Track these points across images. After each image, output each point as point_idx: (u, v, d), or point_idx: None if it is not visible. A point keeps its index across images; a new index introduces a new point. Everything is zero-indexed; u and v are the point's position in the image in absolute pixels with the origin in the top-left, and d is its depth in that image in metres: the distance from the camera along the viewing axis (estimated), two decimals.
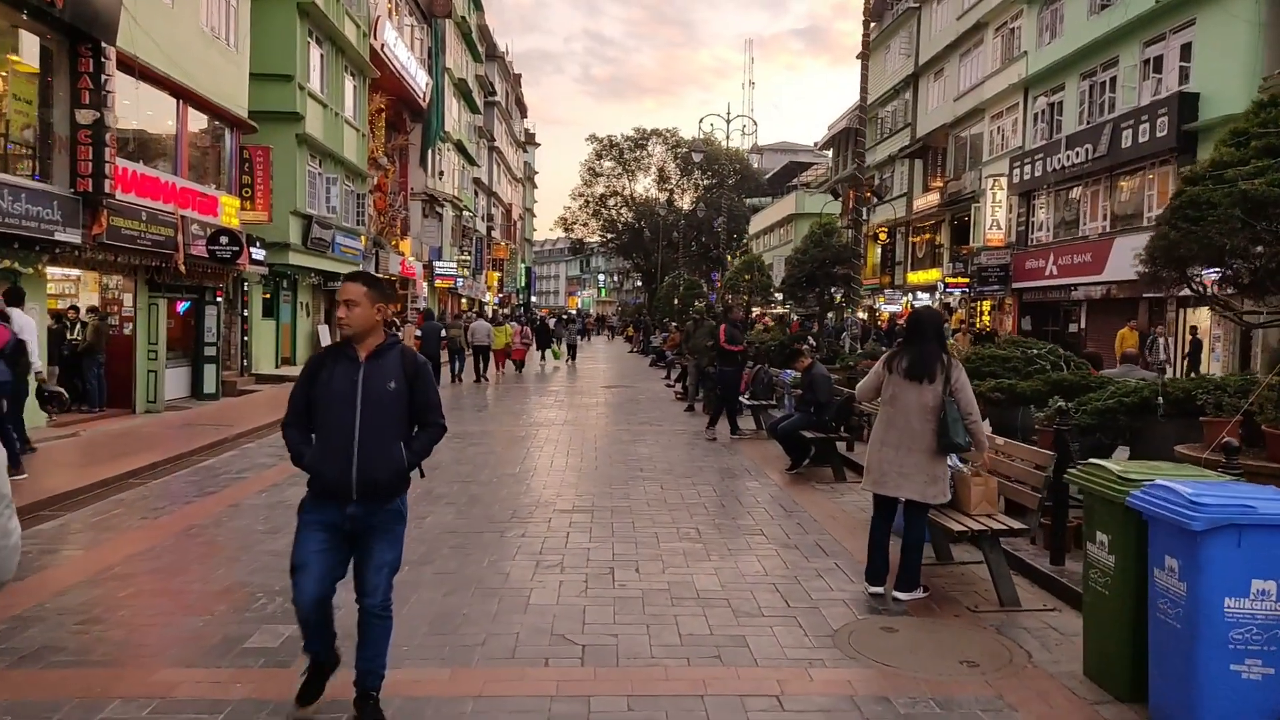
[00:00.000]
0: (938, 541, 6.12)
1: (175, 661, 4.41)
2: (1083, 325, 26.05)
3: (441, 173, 40.03)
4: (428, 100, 35.12)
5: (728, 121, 29.59)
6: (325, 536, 3.69)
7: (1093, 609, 4.22)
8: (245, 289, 20.53)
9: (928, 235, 37.89)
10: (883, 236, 39.52)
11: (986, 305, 31.32)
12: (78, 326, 15.19)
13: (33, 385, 10.20)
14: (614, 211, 67.74)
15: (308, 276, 24.36)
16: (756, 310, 34.39)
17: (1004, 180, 29.22)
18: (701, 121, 26.75)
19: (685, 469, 10.04)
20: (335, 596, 3.74)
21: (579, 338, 34.63)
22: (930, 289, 35.72)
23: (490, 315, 36.19)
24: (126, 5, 13.42)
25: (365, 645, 3.72)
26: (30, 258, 12.20)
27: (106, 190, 13.26)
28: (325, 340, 25.59)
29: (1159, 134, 21.38)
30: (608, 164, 66.68)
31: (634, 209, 66.93)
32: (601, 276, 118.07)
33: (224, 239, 16.98)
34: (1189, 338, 21.09)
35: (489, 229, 55.69)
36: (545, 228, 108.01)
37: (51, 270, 14.10)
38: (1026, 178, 27.75)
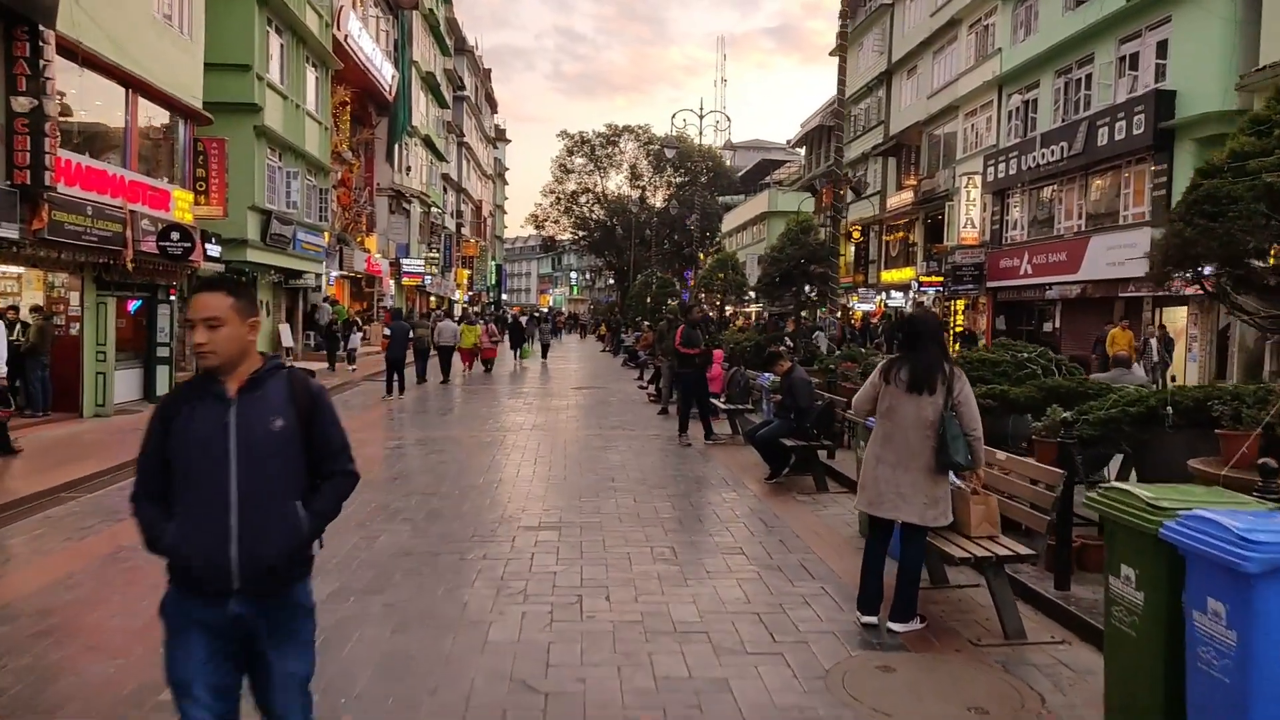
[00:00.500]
0: (932, 563, 5.66)
1: (75, 715, 3.84)
2: (1057, 325, 25.90)
3: (409, 168, 39.24)
4: (394, 93, 34.35)
5: (701, 117, 29.13)
6: (208, 642, 2.67)
7: (1117, 651, 3.77)
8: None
9: (901, 234, 37.68)
10: (856, 235, 39.23)
11: (960, 304, 31.12)
12: (17, 327, 14.40)
13: None
14: (586, 209, 67.08)
15: (267, 274, 23.57)
16: (730, 310, 33.95)
17: (978, 178, 29.01)
18: (675, 117, 26.29)
19: (659, 478, 9.54)
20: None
21: (551, 336, 34.03)
22: (904, 288, 35.49)
23: (462, 314, 35.65)
24: None
25: None
26: None
27: (47, 183, 12.54)
28: (287, 340, 24.83)
29: (1135, 132, 21.19)
30: (579, 161, 66.01)
31: (606, 206, 66.31)
32: (573, 274, 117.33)
33: (175, 235, 16.23)
34: (1160, 337, 20.94)
35: (458, 226, 54.86)
36: (516, 225, 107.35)
37: None
38: (1001, 176, 27.55)
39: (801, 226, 15.44)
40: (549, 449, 11.48)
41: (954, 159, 32.14)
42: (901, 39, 37.69)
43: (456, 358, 23.65)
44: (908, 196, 35.31)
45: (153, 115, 17.12)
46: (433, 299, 46.95)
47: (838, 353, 13.00)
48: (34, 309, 15.24)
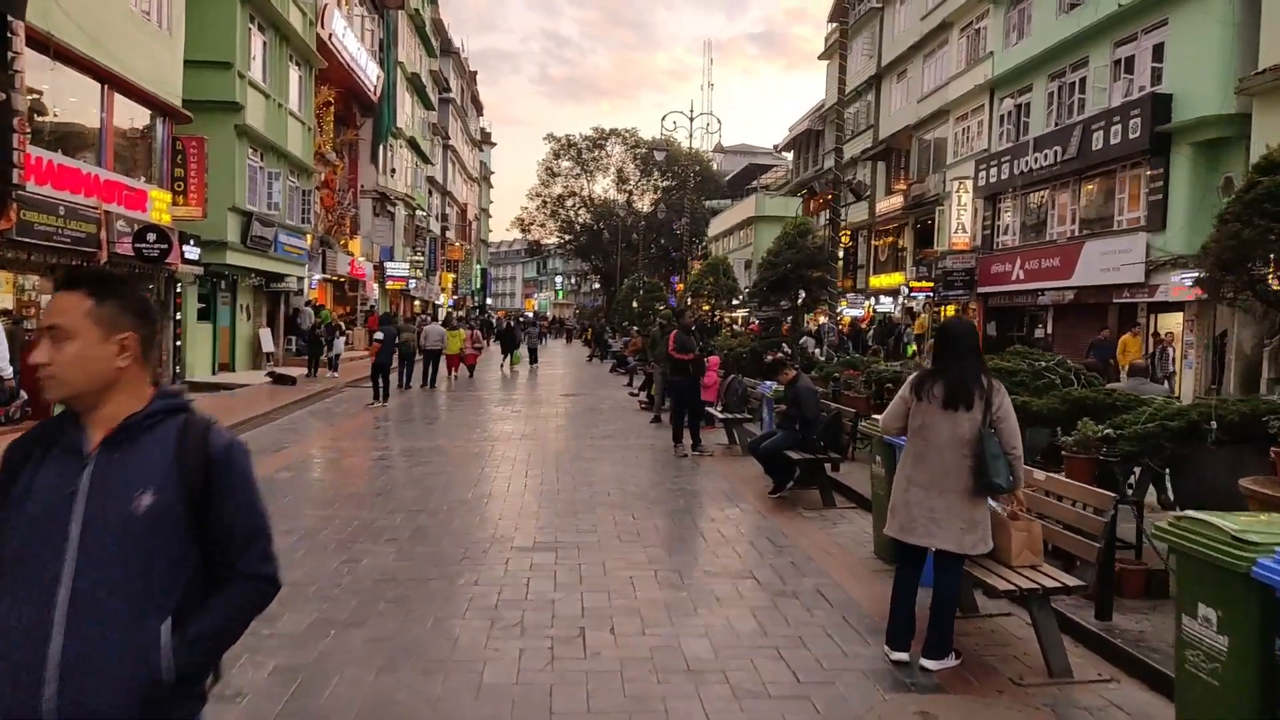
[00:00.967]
0: (962, 589, 5.25)
1: None
2: (1049, 330, 25.65)
3: (393, 170, 38.69)
4: (379, 94, 33.82)
5: (691, 119, 28.78)
6: None
7: (1192, 701, 3.37)
8: (179, 290, 19.19)
9: (890, 238, 37.44)
10: (845, 239, 38.96)
11: (950, 310, 30.86)
12: None
13: None
14: (572, 212, 66.64)
15: (248, 277, 23.02)
16: (721, 315, 33.58)
17: (969, 183, 28.75)
18: (664, 119, 25.92)
19: (657, 492, 9.11)
20: None
21: (538, 341, 33.56)
22: (893, 293, 35.24)
23: (446, 318, 35.09)
24: None
25: None
26: None
27: (16, 181, 12.00)
28: (267, 345, 24.26)
29: (1131, 135, 20.95)
30: (565, 164, 65.60)
31: (592, 210, 65.89)
32: (559, 278, 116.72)
33: (151, 236, 15.71)
34: (1155, 344, 20.69)
35: (443, 229, 54.29)
36: (501, 229, 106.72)
37: None
38: (993, 180, 27.30)
39: (799, 230, 15.06)
40: (540, 460, 11.03)
41: (944, 163, 31.90)
42: (891, 43, 37.48)
43: (442, 362, 23.23)
44: (897, 201, 35.07)
45: (130, 113, 16.59)
46: (417, 303, 46.37)
47: (837, 359, 12.60)
48: (2, 312, 14.67)
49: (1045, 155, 24.35)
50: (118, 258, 15.51)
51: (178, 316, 19.30)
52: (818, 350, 20.74)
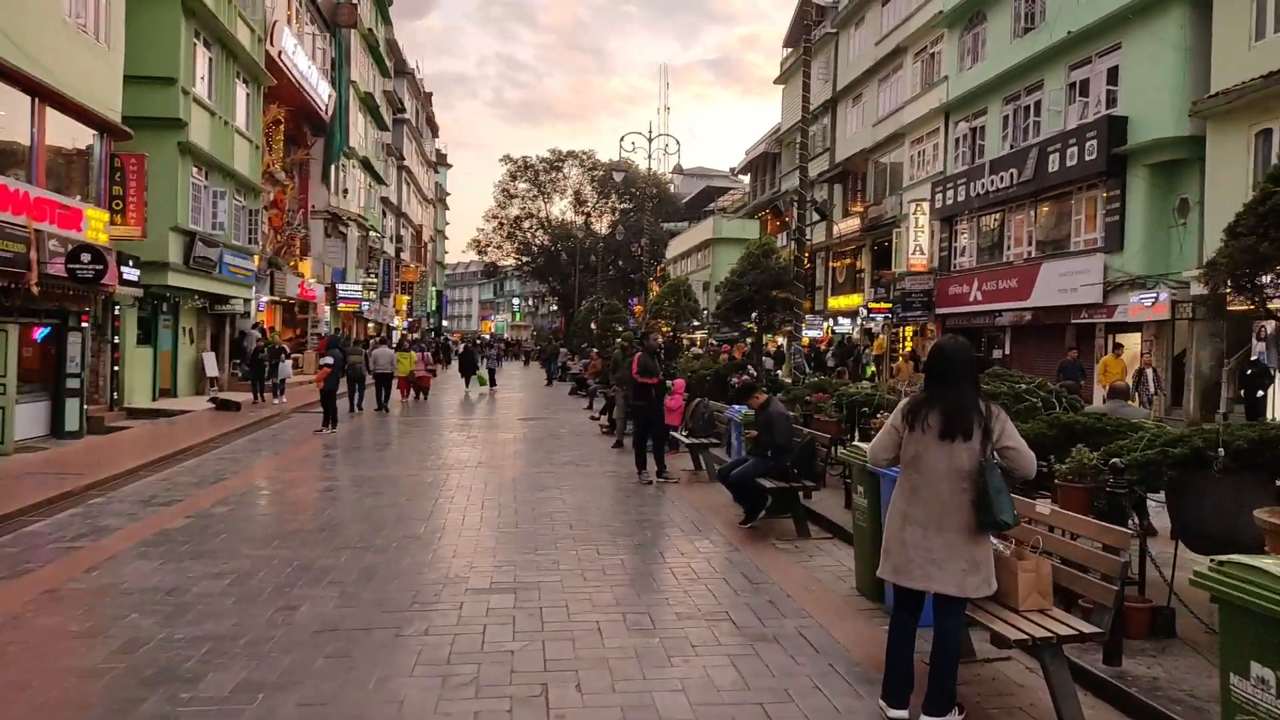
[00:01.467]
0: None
1: None
2: (1007, 351, 25.69)
3: (346, 190, 37.90)
4: (330, 113, 33.12)
5: (650, 140, 28.51)
6: None
7: None
8: (117, 313, 18.33)
9: (848, 260, 37.50)
10: (803, 260, 39.00)
11: (909, 331, 30.87)
12: None
13: None
14: (529, 234, 66.13)
15: (191, 299, 22.16)
16: (684, 337, 33.22)
17: (926, 205, 28.86)
18: (623, 139, 25.59)
19: (622, 523, 8.62)
20: None
21: (496, 364, 32.97)
22: (852, 314, 35.24)
23: (399, 340, 34.33)
24: None
25: None
26: None
27: None
28: (211, 370, 23.36)
29: (1088, 157, 21.09)
30: (522, 186, 65.13)
31: (550, 232, 65.44)
32: (516, 300, 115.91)
33: (86, 257, 14.93)
34: (1075, 359, 20.67)
35: (398, 250, 53.42)
36: (457, 250, 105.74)
37: None
38: (949, 202, 27.41)
39: (763, 250, 14.75)
40: (497, 490, 10.48)
41: (901, 186, 32.04)
42: (847, 67, 37.71)
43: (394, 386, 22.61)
44: (855, 223, 35.15)
45: (65, 128, 15.79)
46: (371, 325, 45.43)
47: (803, 381, 12.25)
48: None
49: (1001, 177, 24.47)
50: (49, 279, 14.70)
51: (116, 340, 18.43)
52: (778, 371, 20.47)
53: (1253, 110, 17.07)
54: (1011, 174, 24.00)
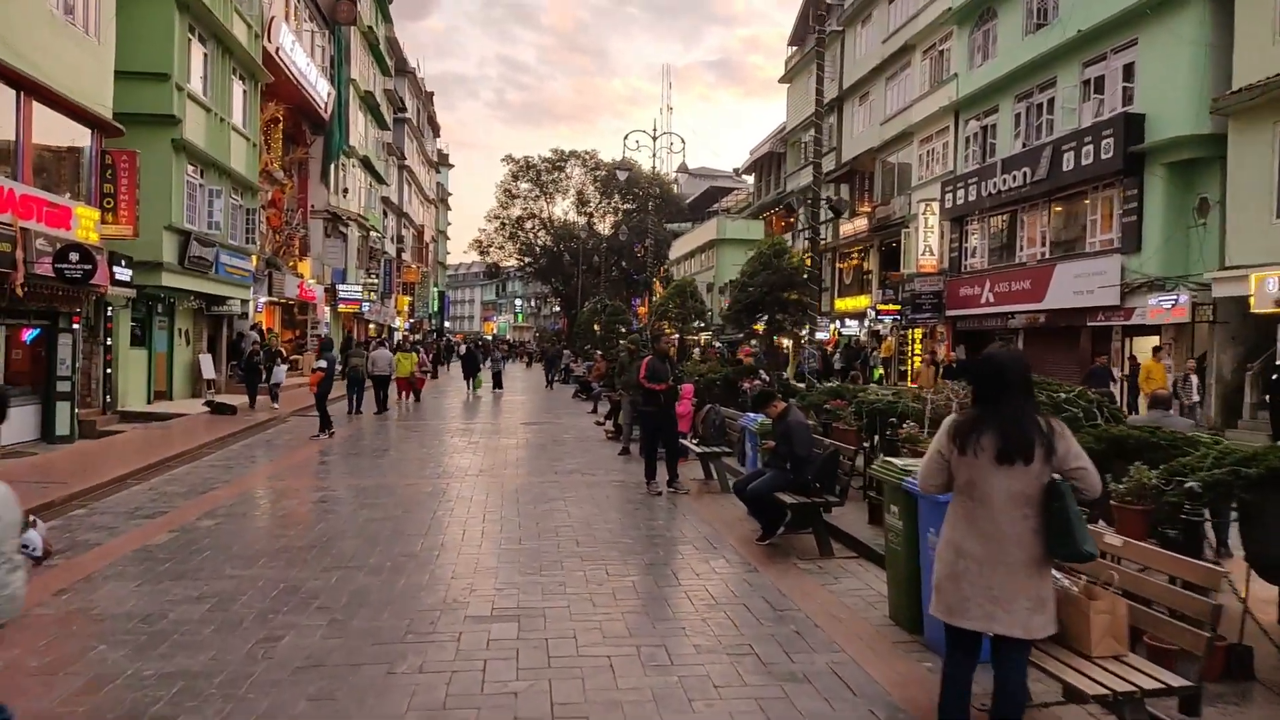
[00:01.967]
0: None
1: None
2: None
3: (346, 190, 37.44)
4: (330, 112, 32.65)
5: (654, 139, 28.03)
6: None
7: None
8: (109, 314, 17.86)
9: (855, 261, 36.99)
10: (808, 262, 38.49)
11: (918, 333, 30.37)
12: None
13: None
14: (531, 234, 65.65)
15: (186, 300, 21.68)
16: (687, 338, 32.76)
17: (935, 205, 28.36)
18: (627, 138, 25.10)
19: (632, 540, 8.12)
20: None
21: (502, 364, 32.48)
22: (859, 316, 34.73)
23: (399, 341, 33.87)
24: None
25: None
26: None
27: None
28: (208, 372, 22.88)
29: (1104, 156, 20.60)
30: (525, 186, 64.68)
31: (552, 232, 64.97)
32: (518, 301, 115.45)
33: (74, 256, 14.46)
34: (1128, 367, 20.22)
35: (399, 251, 52.95)
36: (459, 251, 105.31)
37: None
38: (959, 202, 26.90)
39: (774, 249, 14.24)
40: (498, 501, 9.99)
41: (909, 185, 31.55)
42: (853, 65, 37.22)
43: (392, 388, 22.17)
44: (862, 223, 34.63)
45: (52, 123, 15.32)
46: (372, 326, 44.96)
47: (819, 386, 11.75)
48: None
49: (1014, 176, 23.97)
50: (37, 279, 14.23)
51: (109, 342, 17.97)
52: (791, 375, 19.97)
53: (1277, 107, 16.58)
54: (1024, 173, 23.51)
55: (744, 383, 12.85)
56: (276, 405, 20.58)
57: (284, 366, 22.15)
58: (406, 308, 55.83)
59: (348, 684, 4.61)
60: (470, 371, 28.65)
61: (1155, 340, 19.85)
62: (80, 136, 16.28)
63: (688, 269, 57.43)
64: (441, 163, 78.12)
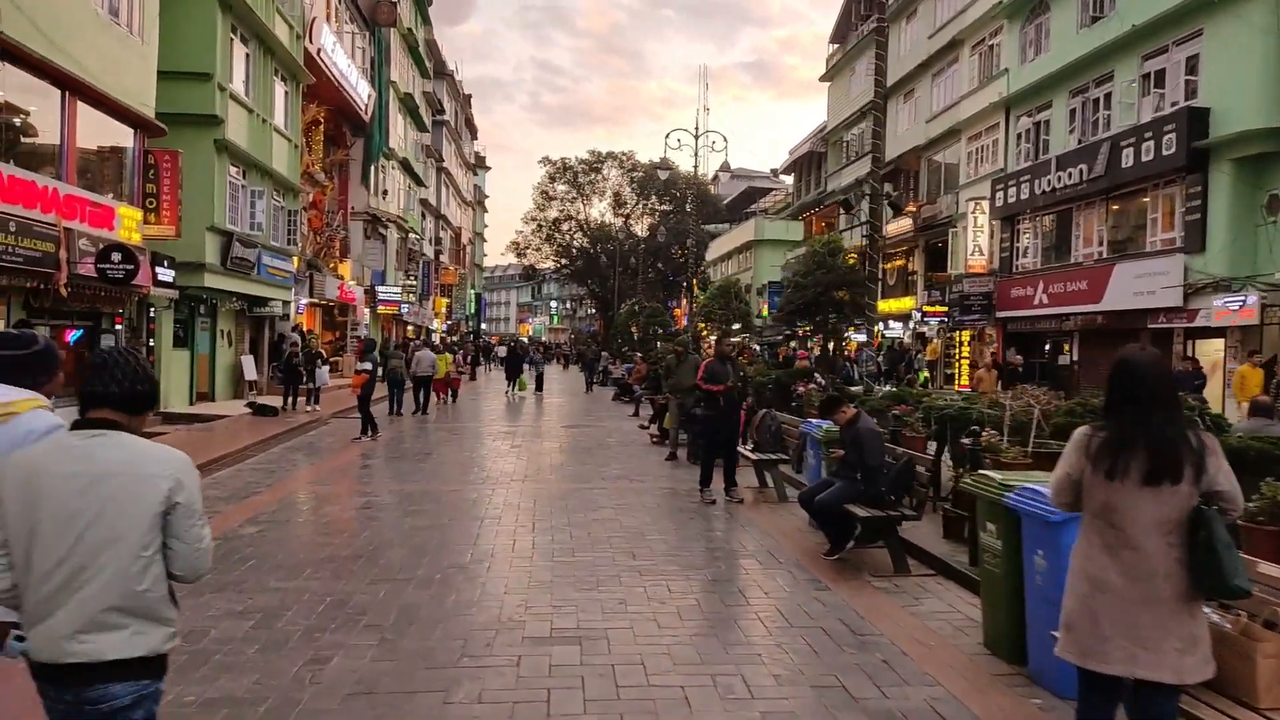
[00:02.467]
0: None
1: None
2: (1075, 356, 24.42)
3: (385, 192, 37.43)
4: (370, 113, 32.62)
5: (696, 137, 27.58)
6: None
7: None
8: (152, 315, 17.81)
9: (900, 261, 36.24)
10: (851, 259, 37.81)
11: (965, 335, 29.59)
12: None
13: None
14: (568, 236, 65.48)
15: (229, 301, 21.63)
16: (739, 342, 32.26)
17: (985, 204, 27.60)
18: (668, 136, 24.69)
19: (690, 552, 7.71)
20: None
21: (543, 366, 32.34)
22: (903, 318, 33.99)
23: (435, 343, 33.80)
24: None
25: None
26: None
27: None
28: (250, 373, 22.83)
29: (1166, 152, 19.80)
30: (561, 187, 64.50)
31: (589, 234, 64.74)
32: (554, 303, 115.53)
33: (116, 256, 14.35)
34: (1190, 369, 19.40)
35: (437, 253, 53.01)
36: (495, 253, 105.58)
37: None
38: (1011, 201, 26.14)
39: (829, 248, 13.75)
40: (547, 508, 9.63)
41: (956, 184, 30.79)
42: (897, 61, 36.43)
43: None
44: (906, 223, 33.88)
45: (96, 123, 15.26)
46: (410, 328, 44.99)
47: (879, 390, 11.25)
48: None
49: (1069, 174, 23.21)
50: (79, 279, 14.15)
51: (151, 343, 17.91)
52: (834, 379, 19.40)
53: None
54: (1081, 170, 22.74)
55: (798, 386, 12.37)
56: (317, 407, 20.42)
57: (326, 368, 22.00)
58: (444, 309, 55.89)
59: (402, 714, 4.24)
60: (514, 373, 28.55)
61: (1219, 343, 19.05)
62: (123, 136, 16.22)
63: (725, 270, 56.89)
64: (479, 165, 78.29)
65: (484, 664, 4.93)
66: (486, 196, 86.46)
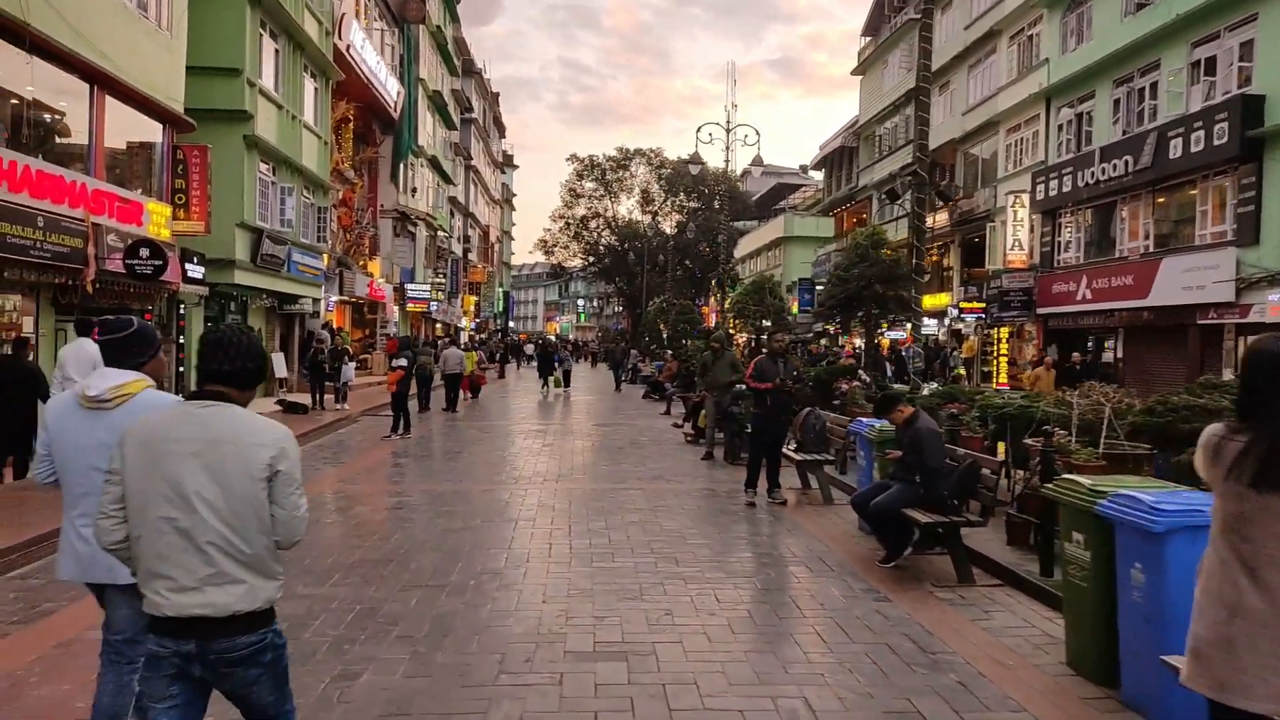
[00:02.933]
0: None
1: None
2: (1119, 354, 23.72)
3: (414, 189, 37.30)
4: (399, 111, 32.46)
5: (727, 131, 27.14)
6: None
7: None
8: (182, 312, 17.67)
9: (935, 257, 35.52)
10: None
11: (1004, 332, 28.89)
12: None
13: None
14: (595, 234, 65.19)
15: (259, 298, 21.49)
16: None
17: (1025, 197, 26.90)
18: (700, 130, 24.33)
19: (736, 558, 7.31)
20: None
21: (570, 363, 32.18)
22: (939, 314, 33.32)
23: (463, 342, 33.65)
24: None
25: None
26: None
27: None
28: (280, 370, 22.70)
29: (1217, 142, 19.09)
30: (589, 185, 64.23)
31: (617, 231, 64.41)
32: (581, 301, 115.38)
33: (145, 252, 14.17)
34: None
35: (465, 251, 52.91)
36: (523, 251, 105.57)
37: None
38: (1052, 194, 25.45)
39: (872, 240, 13.29)
40: (582, 510, 9.27)
41: (994, 177, 30.09)
42: (932, 53, 35.77)
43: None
44: (942, 218, 33.19)
45: (125, 118, 15.11)
46: (439, 326, 44.90)
47: (924, 389, 10.78)
48: None
49: (1114, 166, 22.52)
50: (107, 275, 13.99)
51: (181, 340, 17.78)
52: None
53: None
54: (1126, 162, 22.04)
55: (841, 383, 11.93)
56: (345, 405, 20.22)
57: (352, 365, 21.82)
58: (473, 307, 55.82)
59: None
60: (546, 371, 28.43)
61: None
62: (152, 131, 16.08)
63: (753, 268, 56.30)
64: (506, 164, 78.22)
65: (524, 681, 4.57)
66: (514, 195, 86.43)
